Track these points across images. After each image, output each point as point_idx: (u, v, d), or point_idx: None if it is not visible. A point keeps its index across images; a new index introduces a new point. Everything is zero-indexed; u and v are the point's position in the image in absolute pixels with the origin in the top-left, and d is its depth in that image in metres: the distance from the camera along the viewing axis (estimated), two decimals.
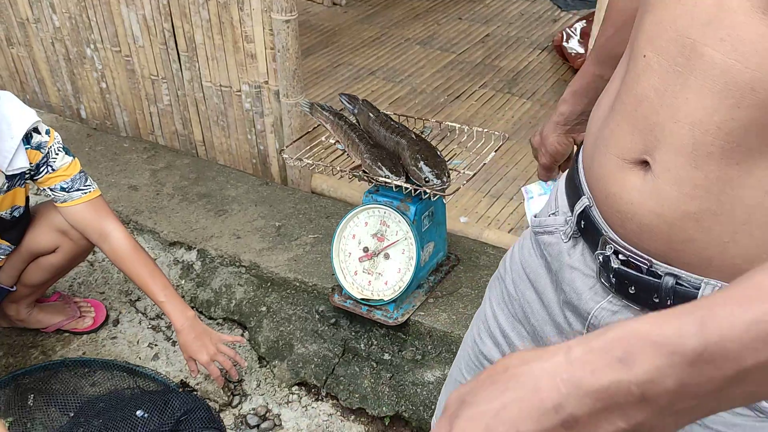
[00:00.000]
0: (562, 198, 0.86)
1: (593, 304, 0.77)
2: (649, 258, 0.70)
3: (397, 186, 1.64)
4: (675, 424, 0.41)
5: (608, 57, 0.95)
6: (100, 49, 2.62)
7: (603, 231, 0.75)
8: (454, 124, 1.83)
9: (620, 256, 0.72)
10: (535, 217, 0.91)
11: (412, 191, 1.64)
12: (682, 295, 0.68)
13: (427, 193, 1.62)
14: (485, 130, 1.80)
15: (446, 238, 1.95)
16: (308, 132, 2.00)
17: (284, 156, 1.81)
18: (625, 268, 0.72)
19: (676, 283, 0.68)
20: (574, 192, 0.82)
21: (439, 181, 1.60)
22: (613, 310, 0.76)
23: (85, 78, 2.75)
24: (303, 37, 3.62)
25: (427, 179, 1.60)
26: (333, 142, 1.87)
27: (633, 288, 0.72)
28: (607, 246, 0.74)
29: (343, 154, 1.87)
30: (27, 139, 1.61)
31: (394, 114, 1.86)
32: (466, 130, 1.81)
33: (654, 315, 0.42)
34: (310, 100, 2.06)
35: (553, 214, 0.87)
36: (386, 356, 1.83)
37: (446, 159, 1.74)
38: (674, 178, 0.65)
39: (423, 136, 1.80)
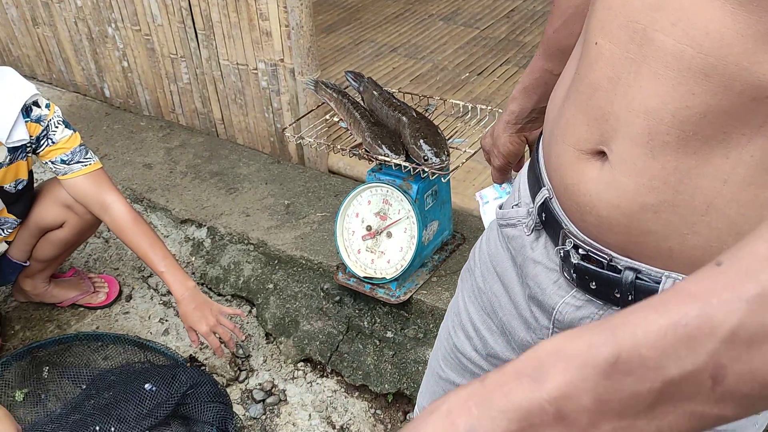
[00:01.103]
0: (525, 189, 0.84)
1: (557, 298, 0.76)
2: (609, 252, 0.68)
3: (396, 164, 1.63)
4: None
5: (557, 50, 0.91)
6: (121, 28, 2.65)
7: (563, 224, 0.73)
8: (458, 102, 1.80)
9: (580, 251, 0.70)
10: (500, 208, 0.89)
11: (411, 170, 1.62)
12: (643, 290, 0.66)
13: (426, 171, 1.60)
14: (489, 108, 1.77)
15: (451, 216, 1.93)
16: (312, 110, 1.99)
17: (286, 134, 1.81)
18: (585, 264, 0.70)
19: (637, 277, 0.66)
20: (535, 183, 0.80)
21: (438, 159, 1.58)
22: (577, 305, 0.74)
23: (108, 57, 2.80)
24: (325, 13, 3.61)
25: (426, 158, 1.59)
26: (337, 120, 1.86)
27: (594, 283, 0.70)
28: (567, 240, 0.72)
29: (347, 131, 1.86)
30: (27, 112, 1.64)
31: (399, 92, 1.84)
32: (470, 108, 1.78)
33: (569, 331, 0.39)
34: (318, 77, 2.05)
35: (515, 205, 0.85)
36: (389, 334, 1.83)
37: (448, 137, 1.71)
38: (631, 169, 0.63)
39: (426, 114, 1.77)
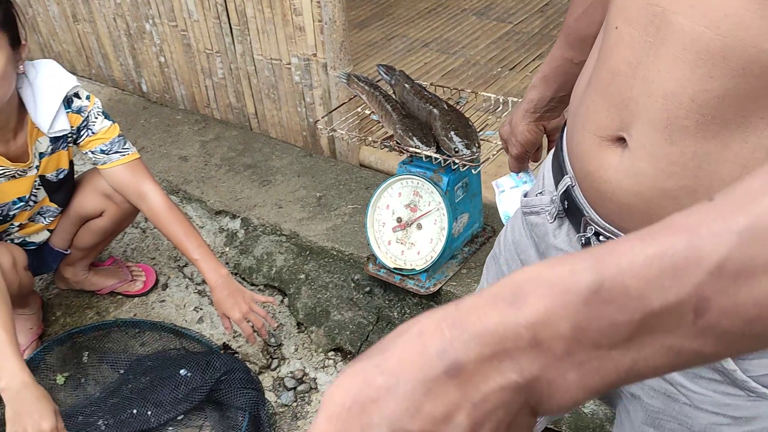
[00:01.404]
0: (549, 177, 0.85)
1: None
2: None
3: (427, 156, 1.65)
4: (581, 382, 0.35)
5: (577, 39, 0.91)
6: (158, 24, 2.71)
7: (585, 211, 0.73)
8: (489, 95, 1.81)
9: (601, 238, 0.71)
10: (524, 196, 0.90)
11: (442, 161, 1.63)
12: None
13: (456, 163, 1.61)
14: (520, 100, 1.77)
15: (482, 209, 1.94)
16: (344, 103, 2.02)
17: (318, 127, 1.84)
18: None
19: None
20: (558, 171, 0.81)
21: (469, 151, 1.59)
22: None
23: (145, 53, 2.86)
24: (358, 9, 3.63)
25: (456, 149, 1.60)
26: (369, 113, 1.88)
27: None
28: (588, 227, 0.73)
29: (379, 123, 1.88)
30: (68, 103, 1.70)
31: (431, 85, 1.85)
32: (502, 101, 1.78)
33: (552, 258, 0.37)
34: (350, 72, 2.07)
35: (539, 193, 0.86)
36: None
37: (479, 130, 1.72)
38: (650, 155, 0.63)
39: (457, 107, 1.78)
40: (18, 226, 1.82)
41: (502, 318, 0.34)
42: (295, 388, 1.90)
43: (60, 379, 1.86)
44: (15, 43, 1.55)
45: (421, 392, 0.34)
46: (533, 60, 3.03)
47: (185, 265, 2.23)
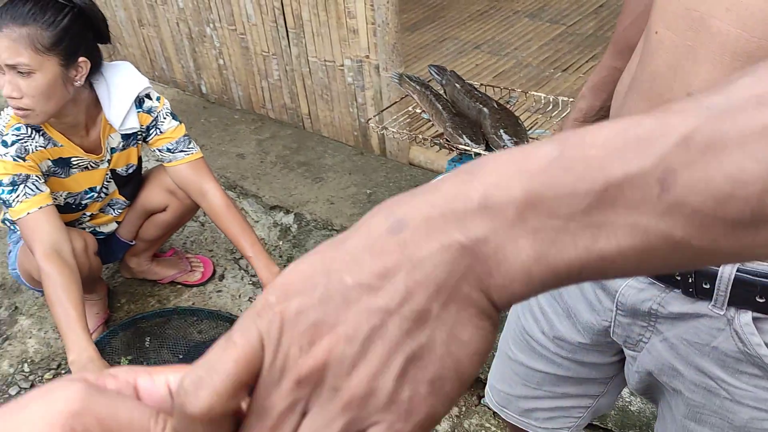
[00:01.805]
0: None
1: (620, 282, 0.79)
2: None
3: (476, 153, 1.68)
4: (533, 251, 0.32)
5: (626, 48, 0.93)
6: (218, 28, 2.82)
7: None
8: (539, 94, 1.84)
9: None
10: None
11: None
12: (703, 273, 0.68)
13: None
14: (571, 100, 1.79)
15: None
16: (395, 102, 2.07)
17: (370, 125, 1.90)
18: None
19: None
20: None
21: None
22: (640, 288, 0.77)
23: (205, 55, 2.98)
24: (410, 12, 3.68)
25: (506, 147, 1.63)
26: (419, 111, 1.93)
27: None
28: None
29: (429, 123, 1.92)
30: (139, 103, 1.80)
31: (481, 85, 1.89)
32: (552, 100, 1.81)
33: None
34: (402, 72, 2.12)
35: None
36: None
37: (529, 128, 1.75)
38: None
39: (508, 106, 1.82)
40: (89, 216, 1.94)
41: (456, 185, 0.33)
42: None
43: (124, 362, 1.96)
44: (70, 59, 1.60)
45: (362, 247, 0.33)
46: (587, 61, 3.03)
47: (240, 258, 2.32)
